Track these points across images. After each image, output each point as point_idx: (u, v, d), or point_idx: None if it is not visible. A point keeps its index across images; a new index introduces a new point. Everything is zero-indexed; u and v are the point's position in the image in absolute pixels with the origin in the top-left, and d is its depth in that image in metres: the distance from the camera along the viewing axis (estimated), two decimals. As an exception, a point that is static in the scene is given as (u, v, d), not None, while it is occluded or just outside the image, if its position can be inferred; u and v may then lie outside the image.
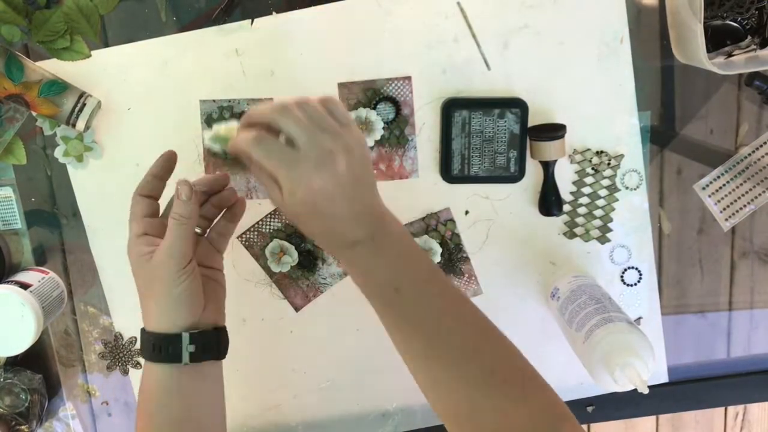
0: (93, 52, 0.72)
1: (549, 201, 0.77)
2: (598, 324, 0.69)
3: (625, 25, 0.75)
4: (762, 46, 0.74)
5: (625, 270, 0.82)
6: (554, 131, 0.75)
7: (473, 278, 0.81)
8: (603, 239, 0.80)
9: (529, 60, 0.75)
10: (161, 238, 0.61)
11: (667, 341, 0.84)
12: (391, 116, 0.76)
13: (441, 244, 0.79)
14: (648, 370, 0.66)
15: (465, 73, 0.75)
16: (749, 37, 0.74)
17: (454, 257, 0.80)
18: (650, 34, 0.77)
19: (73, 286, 0.79)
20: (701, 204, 0.82)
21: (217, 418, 0.64)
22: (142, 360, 0.80)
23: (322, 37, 0.74)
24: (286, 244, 0.78)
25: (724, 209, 0.82)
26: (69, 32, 0.71)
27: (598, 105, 0.77)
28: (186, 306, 0.60)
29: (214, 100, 0.75)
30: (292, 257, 0.78)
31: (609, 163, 0.78)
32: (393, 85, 0.75)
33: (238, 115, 0.75)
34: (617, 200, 0.79)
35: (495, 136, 0.76)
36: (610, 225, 0.80)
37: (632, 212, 0.80)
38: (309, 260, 0.79)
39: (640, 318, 0.83)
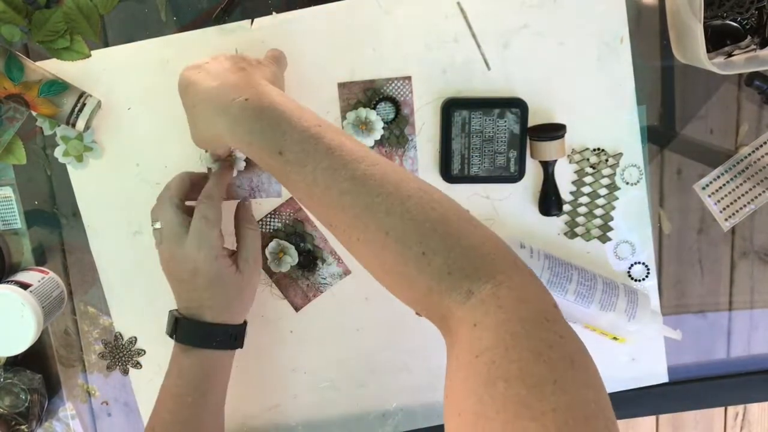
0: (93, 52, 0.72)
1: (549, 201, 0.77)
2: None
3: (625, 25, 0.75)
4: (762, 46, 0.74)
5: (632, 265, 0.82)
6: (554, 131, 0.75)
7: (473, 278, 0.81)
8: (604, 238, 0.80)
9: (529, 60, 0.75)
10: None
11: (667, 341, 0.84)
12: (391, 116, 0.76)
13: (441, 244, 0.79)
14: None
15: (465, 73, 0.75)
16: (749, 37, 0.74)
17: (454, 257, 0.80)
18: (650, 34, 0.77)
19: (73, 286, 0.79)
20: (701, 204, 0.82)
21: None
22: (150, 356, 0.80)
23: (321, 37, 0.74)
24: (286, 244, 0.78)
25: (724, 209, 0.82)
26: (69, 32, 0.71)
27: (598, 105, 0.77)
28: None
29: (214, 100, 0.75)
30: (292, 257, 0.78)
31: (608, 162, 0.78)
32: (393, 85, 0.75)
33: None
34: (617, 199, 0.79)
35: (495, 136, 0.76)
36: (610, 224, 0.80)
37: (633, 207, 0.80)
38: (309, 260, 0.79)
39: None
